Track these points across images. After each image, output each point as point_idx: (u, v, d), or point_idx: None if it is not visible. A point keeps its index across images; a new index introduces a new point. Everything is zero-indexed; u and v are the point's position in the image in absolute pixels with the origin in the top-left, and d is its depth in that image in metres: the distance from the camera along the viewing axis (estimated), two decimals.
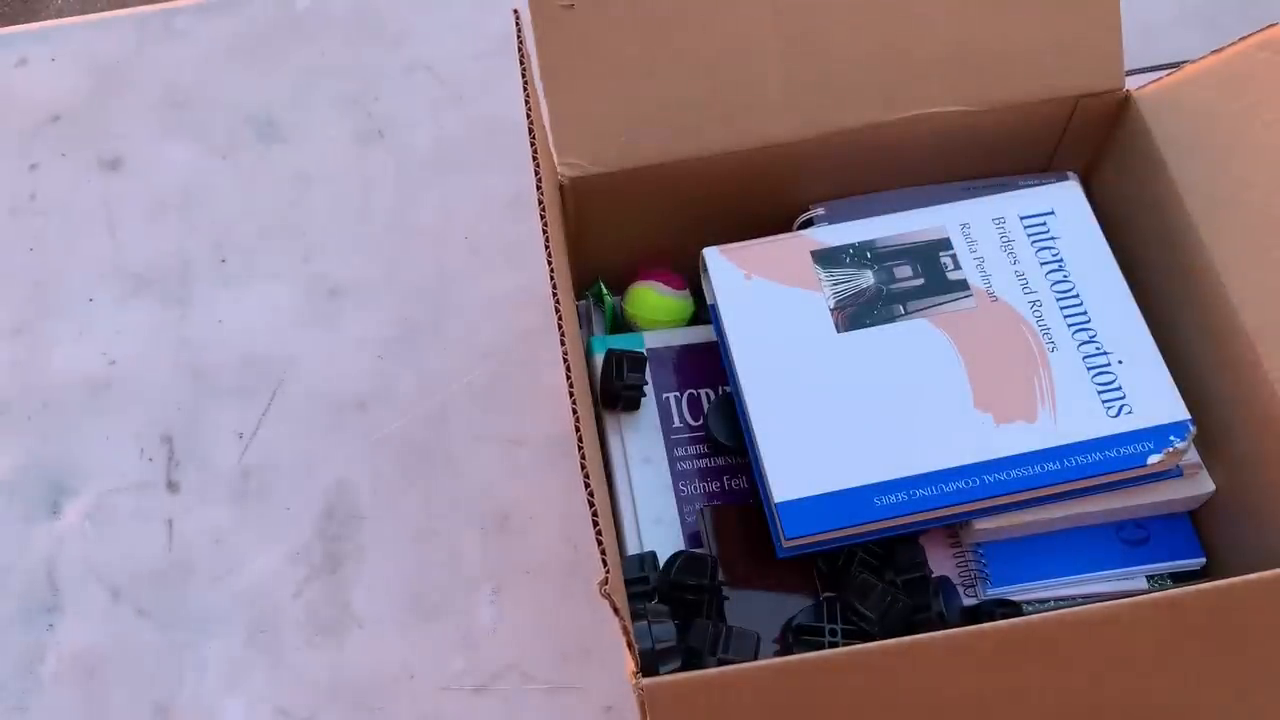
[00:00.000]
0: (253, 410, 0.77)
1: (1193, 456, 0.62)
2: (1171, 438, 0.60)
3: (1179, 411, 0.61)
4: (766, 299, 0.64)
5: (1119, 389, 0.61)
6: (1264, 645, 0.52)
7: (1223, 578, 0.49)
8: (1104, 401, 0.61)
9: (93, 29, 0.94)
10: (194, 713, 0.67)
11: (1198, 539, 0.64)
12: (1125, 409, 0.61)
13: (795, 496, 0.59)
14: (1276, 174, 0.60)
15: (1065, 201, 0.67)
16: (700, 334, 0.70)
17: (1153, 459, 0.59)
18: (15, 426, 0.77)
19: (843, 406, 0.61)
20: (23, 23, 0.97)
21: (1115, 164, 0.70)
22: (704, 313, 0.72)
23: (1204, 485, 0.63)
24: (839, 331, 0.63)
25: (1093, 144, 0.70)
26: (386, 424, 0.76)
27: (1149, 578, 0.63)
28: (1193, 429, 0.60)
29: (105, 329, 0.80)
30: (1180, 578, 0.64)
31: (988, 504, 0.59)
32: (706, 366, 0.68)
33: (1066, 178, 0.69)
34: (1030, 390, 0.61)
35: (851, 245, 0.66)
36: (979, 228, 0.66)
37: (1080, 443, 0.60)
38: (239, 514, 0.73)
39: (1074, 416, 0.60)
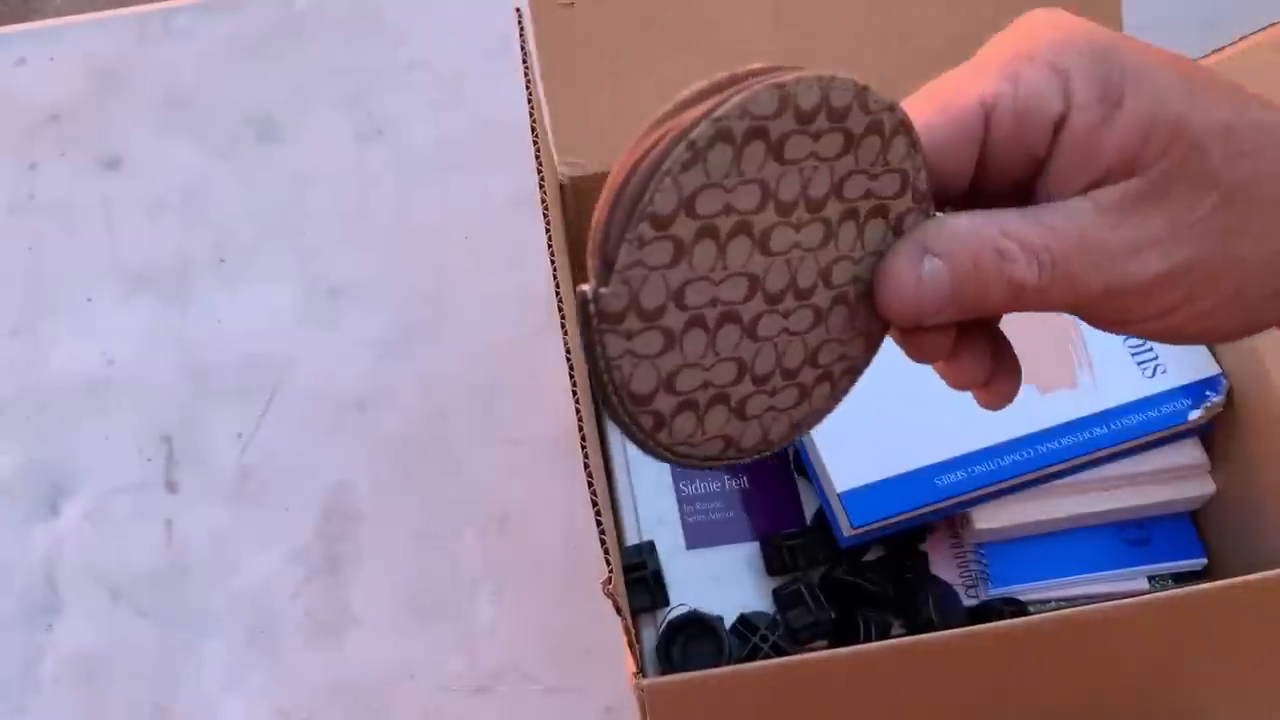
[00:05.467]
0: (252, 410, 0.77)
1: (1201, 457, 0.62)
2: (1208, 393, 0.61)
3: (1211, 367, 0.62)
4: None
5: (1150, 349, 0.63)
6: (1265, 645, 0.52)
7: (1223, 578, 0.49)
8: (1139, 363, 0.62)
9: (92, 28, 0.94)
10: (194, 713, 0.67)
11: (1199, 539, 0.64)
12: (1160, 369, 0.62)
13: (857, 485, 0.59)
14: None
15: None
16: None
17: (1193, 415, 0.60)
18: (13, 426, 0.77)
19: (887, 391, 0.61)
20: (22, 22, 0.97)
21: None
22: None
23: (1205, 486, 0.63)
24: None
25: None
26: (386, 424, 0.76)
27: (1150, 578, 0.63)
28: (1226, 382, 0.61)
29: (104, 329, 0.80)
30: (1181, 578, 0.64)
31: (1041, 474, 0.60)
32: None
33: None
34: (1067, 358, 0.62)
35: None
36: None
37: (1123, 405, 0.61)
38: (238, 514, 0.73)
39: (1112, 380, 0.62)
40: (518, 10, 0.62)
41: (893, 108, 0.33)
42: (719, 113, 0.31)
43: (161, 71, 0.91)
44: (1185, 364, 0.62)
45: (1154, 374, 0.62)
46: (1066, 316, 0.63)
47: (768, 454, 0.37)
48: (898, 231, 0.35)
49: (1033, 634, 0.49)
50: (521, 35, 0.61)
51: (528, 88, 0.60)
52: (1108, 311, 0.36)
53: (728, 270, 0.32)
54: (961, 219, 0.35)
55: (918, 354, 0.37)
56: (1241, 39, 0.63)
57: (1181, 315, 0.35)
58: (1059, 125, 0.34)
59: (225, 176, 0.86)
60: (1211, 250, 0.34)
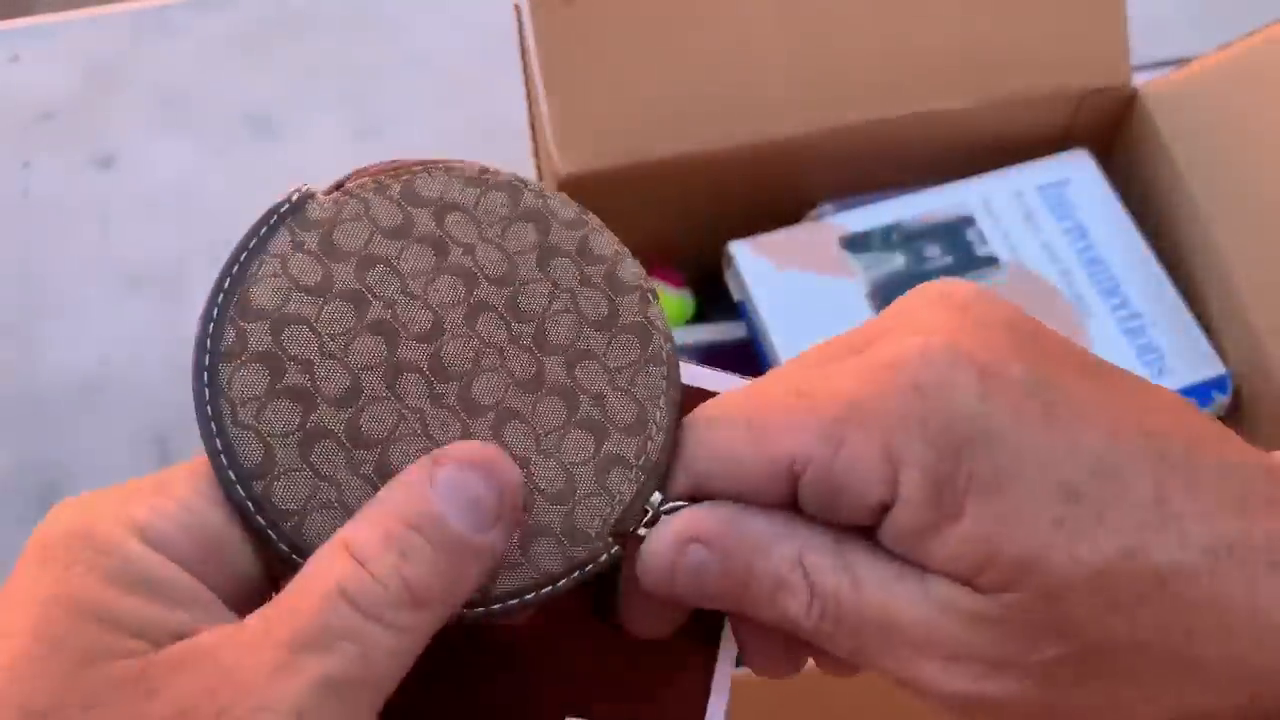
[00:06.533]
0: None
1: None
2: (1214, 393, 0.61)
3: (1217, 367, 0.62)
4: (801, 290, 0.65)
5: (1157, 350, 0.62)
6: None
7: None
8: (1144, 364, 0.62)
9: (86, 25, 0.93)
10: None
11: None
12: (1165, 369, 0.62)
13: None
14: None
15: (1079, 170, 0.67)
16: (700, 333, 0.69)
17: None
18: (7, 427, 0.76)
19: None
20: (15, 18, 0.96)
21: (1122, 160, 0.69)
22: (707, 311, 0.71)
23: None
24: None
25: (1100, 140, 0.69)
26: None
27: None
28: (1233, 382, 0.61)
29: (98, 328, 0.80)
30: None
31: None
32: (706, 364, 0.67)
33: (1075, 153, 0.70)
34: None
35: (878, 228, 0.66)
36: (1000, 202, 0.67)
37: None
38: None
39: None
40: (517, 7, 0.62)
41: (669, 337, 0.29)
42: (504, 175, 0.31)
43: (156, 69, 0.90)
44: (1191, 364, 0.62)
45: (1159, 374, 0.61)
46: (1071, 315, 0.63)
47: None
48: (600, 474, 0.27)
49: None
50: (521, 32, 0.61)
51: (526, 85, 0.59)
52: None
53: (434, 284, 0.28)
54: (760, 519, 0.28)
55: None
56: (1250, 34, 0.62)
57: None
58: (883, 509, 0.27)
59: (221, 175, 0.85)
60: (1052, 700, 0.27)
